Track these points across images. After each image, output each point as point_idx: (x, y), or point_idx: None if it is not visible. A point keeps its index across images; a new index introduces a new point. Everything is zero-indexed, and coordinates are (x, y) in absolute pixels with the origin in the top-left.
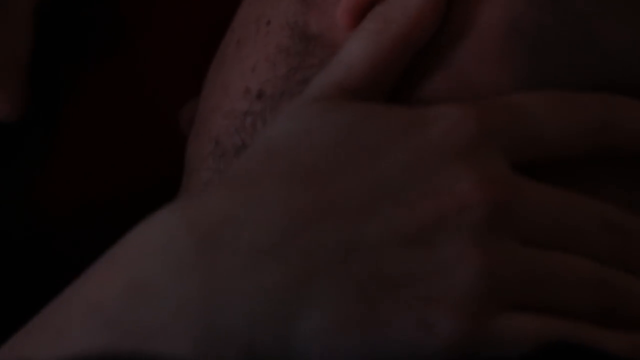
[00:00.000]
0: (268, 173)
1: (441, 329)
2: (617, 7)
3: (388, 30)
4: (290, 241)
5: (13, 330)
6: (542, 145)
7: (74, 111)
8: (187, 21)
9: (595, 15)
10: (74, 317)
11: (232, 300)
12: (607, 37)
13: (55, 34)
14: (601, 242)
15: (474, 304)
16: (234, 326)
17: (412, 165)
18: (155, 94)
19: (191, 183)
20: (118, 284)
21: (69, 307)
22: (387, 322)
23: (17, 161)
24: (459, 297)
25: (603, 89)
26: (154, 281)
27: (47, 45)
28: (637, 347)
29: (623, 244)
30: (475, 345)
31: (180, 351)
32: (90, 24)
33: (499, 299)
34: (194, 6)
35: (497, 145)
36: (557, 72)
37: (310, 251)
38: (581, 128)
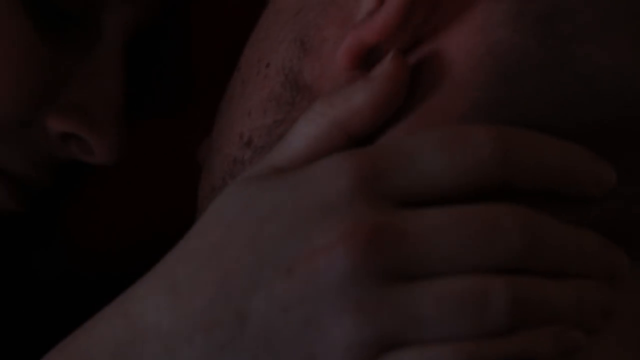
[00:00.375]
0: (182, 257)
1: None
2: (599, 32)
3: (328, 114)
4: (196, 322)
5: None
6: (429, 185)
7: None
8: None
9: (577, 38)
10: None
11: None
12: (588, 60)
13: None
14: (510, 249)
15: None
16: None
17: (291, 228)
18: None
19: None
20: None
21: None
22: None
23: (56, 203)
24: (338, 355)
25: (581, 111)
26: None
27: None
28: (519, 349)
29: (536, 244)
30: None
31: None
32: (162, 81)
33: (380, 345)
34: None
35: (374, 191)
36: (534, 95)
37: (211, 328)
38: (470, 167)
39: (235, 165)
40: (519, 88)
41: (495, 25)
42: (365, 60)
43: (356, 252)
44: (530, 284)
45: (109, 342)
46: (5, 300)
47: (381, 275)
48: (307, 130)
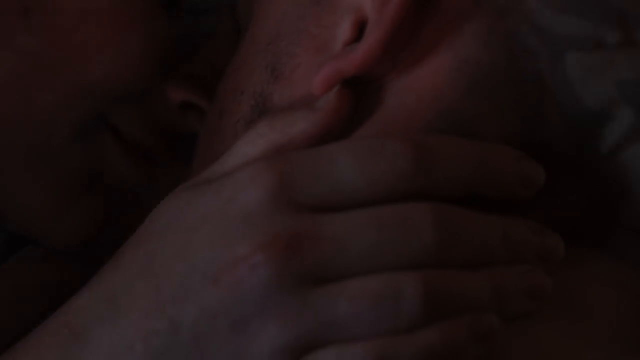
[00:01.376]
0: (119, 266)
1: None
2: (567, 47)
3: (267, 136)
4: (135, 332)
5: None
6: (344, 194)
7: None
8: None
9: (544, 53)
10: None
11: None
12: (554, 75)
13: None
14: (423, 245)
15: None
16: None
17: (217, 237)
18: None
19: None
20: None
21: None
22: None
23: None
24: None
25: (548, 124)
26: None
27: None
28: (434, 340)
29: (451, 238)
30: None
31: None
32: None
33: (302, 349)
34: None
35: (292, 198)
36: (502, 109)
37: (149, 338)
38: (383, 177)
39: None
40: (487, 102)
41: (466, 44)
42: None
43: (275, 260)
44: (444, 276)
45: (56, 353)
46: None
47: (300, 281)
48: (245, 149)
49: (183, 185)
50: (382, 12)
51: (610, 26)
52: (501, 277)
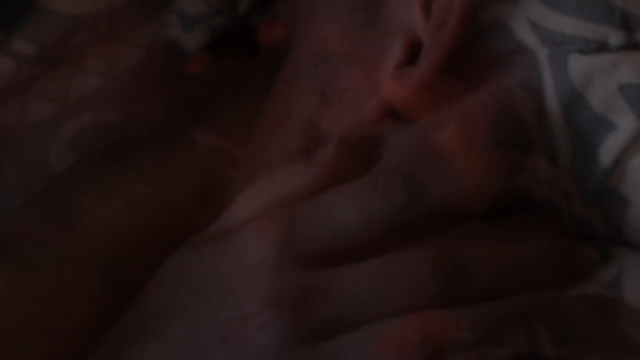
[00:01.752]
0: (130, 326)
1: None
2: (570, 48)
3: (269, 191)
4: None
5: None
6: (347, 237)
7: None
8: None
9: (546, 55)
10: None
11: None
12: (557, 78)
13: None
14: (429, 292)
15: None
16: None
17: (224, 296)
18: None
19: None
20: None
21: None
22: None
23: None
24: None
25: (547, 126)
26: None
27: None
28: None
29: (458, 279)
30: None
31: None
32: None
33: None
34: None
35: (296, 252)
36: (528, 134)
37: None
38: (384, 212)
39: None
40: (523, 129)
41: (514, 72)
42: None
43: (284, 317)
44: (446, 317)
45: None
46: None
47: (309, 336)
48: (248, 204)
49: (187, 242)
50: (439, 34)
51: (614, 28)
52: (524, 305)
